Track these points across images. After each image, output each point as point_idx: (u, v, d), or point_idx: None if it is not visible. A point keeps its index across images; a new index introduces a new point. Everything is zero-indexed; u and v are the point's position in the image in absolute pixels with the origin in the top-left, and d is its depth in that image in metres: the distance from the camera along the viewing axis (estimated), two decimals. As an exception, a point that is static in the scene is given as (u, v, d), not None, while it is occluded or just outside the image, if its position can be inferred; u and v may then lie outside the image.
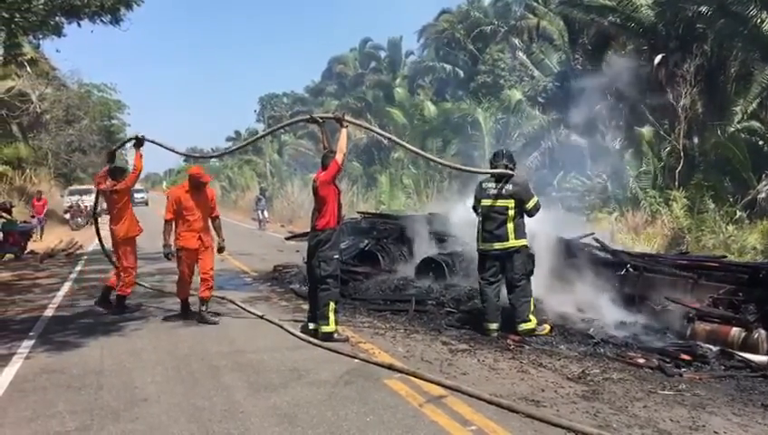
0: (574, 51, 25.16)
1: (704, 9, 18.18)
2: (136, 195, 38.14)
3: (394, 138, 10.57)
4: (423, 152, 10.86)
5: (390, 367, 6.20)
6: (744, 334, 6.52)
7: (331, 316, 7.30)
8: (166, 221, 8.57)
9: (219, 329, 8.20)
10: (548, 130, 25.29)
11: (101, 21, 13.54)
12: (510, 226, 7.49)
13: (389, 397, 5.42)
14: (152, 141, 9.43)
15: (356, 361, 6.49)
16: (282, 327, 8.00)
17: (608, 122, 23.48)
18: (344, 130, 7.69)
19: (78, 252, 19.01)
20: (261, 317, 8.69)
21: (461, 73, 36.58)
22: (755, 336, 6.46)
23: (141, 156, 9.38)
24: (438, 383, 5.65)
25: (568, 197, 21.77)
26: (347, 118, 8.06)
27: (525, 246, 7.61)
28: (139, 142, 9.35)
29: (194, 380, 6.04)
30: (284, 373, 6.15)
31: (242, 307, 9.35)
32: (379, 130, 10.90)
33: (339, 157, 7.53)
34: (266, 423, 4.84)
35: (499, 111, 29.03)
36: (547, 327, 7.55)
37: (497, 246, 7.53)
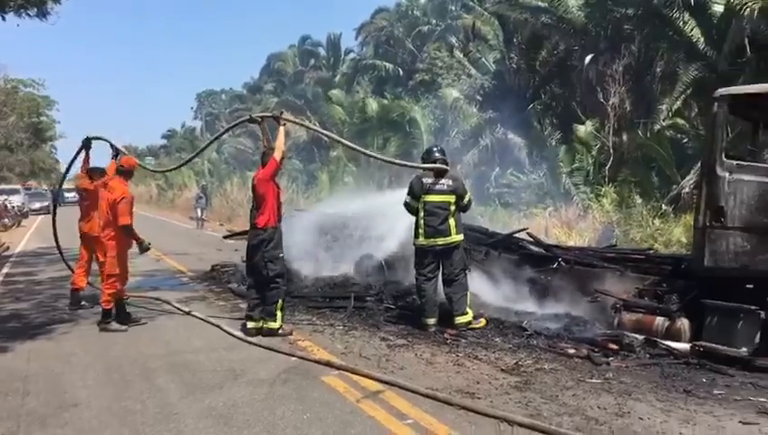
0: (509, 50, 25.60)
1: (631, 11, 18.79)
2: (66, 194, 36.78)
3: (333, 135, 10.60)
4: (361, 148, 10.94)
5: (328, 364, 6.22)
6: (667, 323, 6.83)
7: (279, 314, 7.43)
8: (129, 225, 8.17)
9: (153, 331, 8.05)
10: (485, 128, 25.67)
11: (27, 15, 13.03)
12: (452, 221, 7.64)
13: (327, 394, 5.44)
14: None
15: (294, 359, 6.49)
16: (219, 327, 7.91)
17: (543, 120, 24.06)
18: (282, 129, 7.74)
19: (4, 253, 18.27)
20: (187, 313, 8.65)
21: (400, 71, 36.78)
22: (678, 325, 6.77)
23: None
24: (376, 379, 5.71)
25: (505, 193, 22.22)
26: (285, 116, 8.09)
27: (462, 241, 7.78)
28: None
29: (126, 383, 5.92)
30: (221, 374, 6.09)
31: (177, 308, 9.18)
32: (318, 128, 10.95)
33: (277, 154, 7.54)
34: (201, 425, 4.79)
35: (437, 109, 29.31)
36: (483, 321, 7.72)
37: (440, 241, 7.65)
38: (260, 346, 7.01)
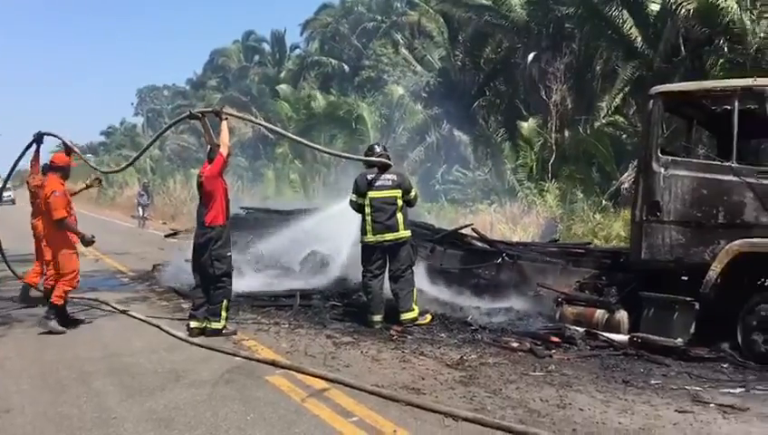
0: (454, 47, 25.80)
1: (571, 10, 19.18)
2: (3, 193, 35.26)
3: (275, 128, 10.49)
4: (306, 141, 10.92)
5: (273, 363, 6.14)
6: (607, 316, 7.00)
7: (223, 314, 7.33)
8: (64, 219, 7.89)
9: (91, 333, 7.80)
10: (431, 125, 25.84)
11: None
12: (399, 216, 7.67)
13: (271, 393, 5.37)
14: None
15: (237, 358, 6.38)
16: (159, 327, 7.72)
17: (487, 117, 24.36)
18: (224, 123, 7.61)
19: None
20: (125, 313, 8.44)
21: (346, 68, 36.66)
22: (617, 317, 6.95)
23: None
24: (321, 377, 5.66)
25: (451, 189, 22.40)
26: (226, 111, 7.95)
27: (410, 237, 7.78)
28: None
29: (62, 387, 5.71)
30: (162, 375, 5.94)
31: (115, 308, 8.92)
32: (261, 122, 10.85)
33: (223, 150, 7.42)
34: (140, 428, 4.66)
35: (383, 106, 29.35)
36: (429, 316, 7.76)
37: (389, 236, 7.64)
38: (203, 346, 6.87)
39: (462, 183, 22.28)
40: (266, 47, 48.88)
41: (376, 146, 8.17)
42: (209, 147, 7.77)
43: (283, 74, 41.05)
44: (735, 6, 14.33)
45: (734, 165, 6.22)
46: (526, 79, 22.13)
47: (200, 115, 8.22)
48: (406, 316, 7.54)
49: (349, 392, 5.31)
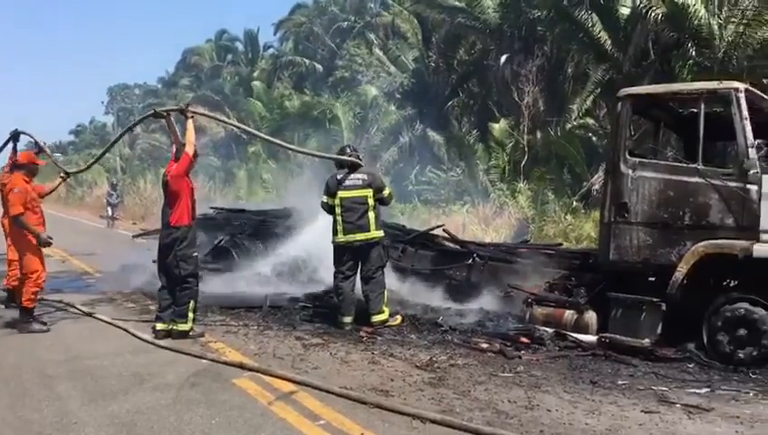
0: (428, 48, 25.88)
1: (543, 13, 19.34)
2: None
3: (244, 126, 10.37)
4: (275, 139, 10.83)
5: (240, 365, 6.06)
6: (576, 316, 7.04)
7: (190, 315, 7.21)
8: (19, 215, 7.70)
9: (55, 336, 7.60)
10: (404, 126, 25.87)
11: None
12: (371, 215, 7.62)
13: (238, 397, 5.29)
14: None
15: (204, 361, 6.28)
16: (125, 330, 7.57)
17: (461, 118, 24.47)
18: (190, 122, 7.51)
19: None
20: (90, 315, 8.28)
21: (320, 68, 36.54)
22: (586, 318, 7.00)
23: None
24: (288, 379, 5.59)
25: (424, 190, 22.43)
26: (191, 109, 7.82)
27: (382, 238, 7.73)
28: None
29: (23, 391, 5.55)
30: (126, 379, 5.82)
31: (80, 310, 8.74)
32: (228, 120, 10.67)
33: (189, 149, 7.31)
34: (102, 433, 4.55)
35: (357, 106, 29.31)
36: (399, 318, 7.74)
37: (360, 236, 7.59)
38: (169, 349, 6.74)
39: (435, 184, 22.33)
40: (239, 46, 48.56)
41: (347, 148, 8.18)
42: (175, 146, 7.66)
43: (256, 74, 40.75)
44: (703, 11, 14.56)
45: (700, 167, 6.29)
46: (499, 81, 22.27)
47: (165, 114, 8.05)
48: (376, 318, 7.50)
49: (316, 395, 5.25)
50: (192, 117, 7.61)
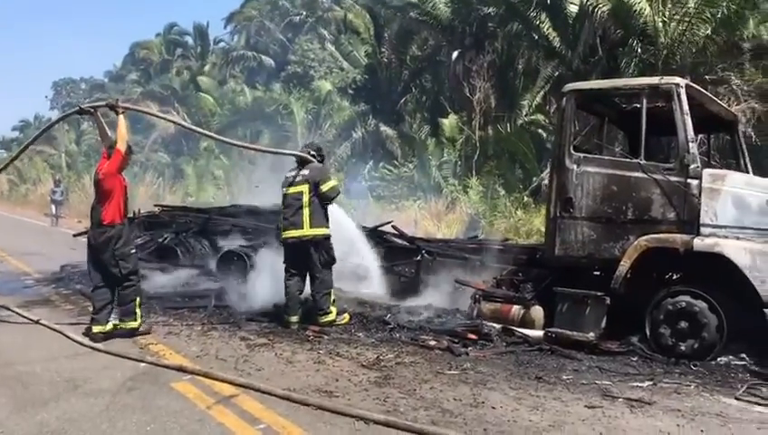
0: (380, 44, 25.81)
1: (493, 10, 19.48)
2: None
3: (180, 121, 10.06)
4: (218, 136, 10.61)
5: (180, 369, 5.85)
6: (522, 312, 7.05)
7: (138, 311, 7.09)
8: None
9: (-15, 340, 7.26)
10: (358, 121, 25.77)
11: None
12: (305, 212, 7.40)
13: (175, 401, 5.10)
14: None
15: (143, 364, 6.05)
16: (61, 333, 7.26)
17: (414, 114, 24.47)
18: (121, 118, 7.24)
19: None
20: (36, 322, 7.88)
21: (272, 63, 36.12)
22: (532, 313, 7.01)
23: None
24: (230, 382, 5.42)
25: (377, 186, 22.37)
26: (121, 104, 7.55)
27: (323, 236, 7.55)
28: None
29: (-54, 401, 5.26)
30: (58, 385, 5.55)
31: (16, 312, 8.37)
32: (163, 115, 10.33)
33: (121, 146, 7.05)
34: (29, 443, 4.33)
35: (310, 102, 29.08)
36: (347, 316, 7.63)
37: (293, 233, 7.45)
38: (106, 352, 6.49)
39: (388, 179, 22.30)
40: (189, 40, 47.66)
41: (308, 145, 8.11)
42: (104, 143, 7.40)
43: (206, 68, 40.09)
44: (648, 9, 14.83)
45: (643, 162, 6.35)
46: (451, 76, 22.35)
47: (92, 110, 7.72)
48: (323, 319, 7.38)
49: (258, 398, 5.10)
50: (123, 112, 7.33)
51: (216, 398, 5.13)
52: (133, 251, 7.18)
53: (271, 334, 7.19)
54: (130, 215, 8.85)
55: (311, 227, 7.41)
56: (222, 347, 6.68)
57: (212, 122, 30.79)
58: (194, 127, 10.25)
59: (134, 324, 7.04)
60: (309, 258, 7.42)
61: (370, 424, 4.50)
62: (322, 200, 7.50)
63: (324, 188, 7.46)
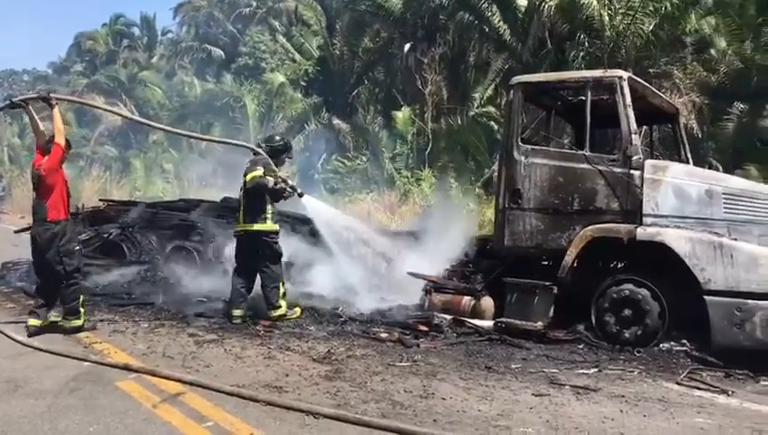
0: (332, 36, 25.67)
1: (445, 1, 19.56)
2: None
3: (126, 113, 9.80)
4: (163, 126, 10.39)
5: (126, 367, 5.71)
6: (473, 303, 7.12)
7: (82, 309, 6.97)
8: None
9: None
10: (310, 114, 25.60)
11: None
12: (242, 206, 7.42)
13: (120, 400, 4.98)
14: None
15: (87, 363, 5.89)
16: (2, 333, 7.02)
17: (367, 106, 24.42)
18: (56, 110, 6.99)
19: None
20: None
21: (222, 54, 35.54)
22: (483, 303, 7.09)
23: None
24: (176, 379, 5.32)
25: (331, 179, 22.30)
26: (56, 96, 7.31)
27: (259, 231, 7.39)
28: None
29: None
30: (-3, 386, 5.37)
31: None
32: (105, 106, 10.10)
33: (59, 139, 6.83)
34: (-36, 448, 4.17)
35: (262, 94, 28.75)
36: (298, 310, 7.58)
37: (237, 227, 7.50)
38: (49, 352, 6.29)
39: (341, 172, 22.25)
40: (136, 31, 46.53)
41: (275, 136, 8.03)
42: (36, 138, 7.15)
43: (154, 60, 39.24)
44: (595, 3, 15.09)
45: (588, 153, 6.47)
46: (403, 69, 22.37)
47: (24, 103, 7.41)
48: (273, 313, 7.32)
49: (206, 395, 5.01)
50: (57, 104, 7.10)
51: (162, 396, 5.03)
52: (77, 248, 7.05)
53: (220, 330, 7.09)
54: (73, 210, 8.60)
55: (244, 223, 7.39)
56: (169, 344, 6.55)
57: (161, 115, 30.13)
58: (138, 117, 10.00)
59: (78, 323, 6.91)
60: (253, 252, 7.36)
61: (320, 418, 4.48)
62: (251, 193, 7.36)
63: (247, 179, 7.37)
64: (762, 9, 16.50)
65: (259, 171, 7.29)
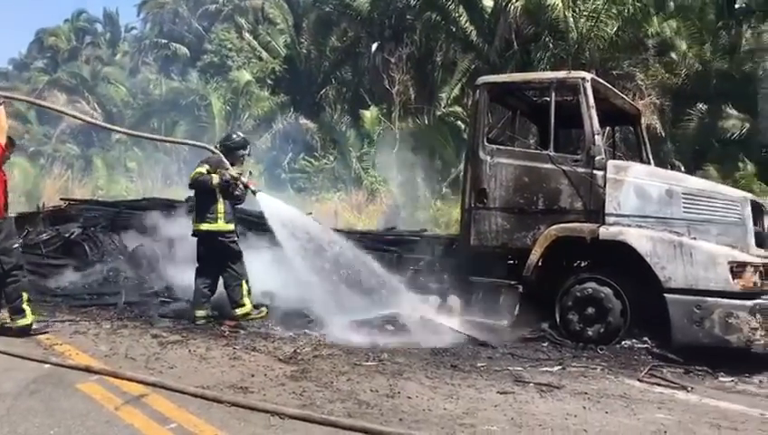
0: (299, 35, 25.57)
1: (411, 1, 19.64)
2: None
3: (74, 113, 9.49)
4: (115, 127, 10.19)
5: (87, 369, 5.59)
6: (439, 301, 7.14)
7: (27, 308, 6.72)
8: None
9: None
10: (277, 112, 25.46)
11: None
12: (195, 207, 7.39)
13: (82, 403, 4.87)
14: None
15: (47, 366, 5.76)
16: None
17: (334, 106, 24.39)
18: (1, 108, 6.82)
19: None
20: None
21: (187, 52, 35.13)
22: (449, 302, 7.11)
23: None
24: (139, 381, 5.23)
25: (298, 178, 22.20)
26: (2, 93, 7.13)
27: (216, 231, 7.33)
28: None
29: None
30: (-47, 391, 5.23)
31: None
32: (55, 106, 9.82)
33: (1, 138, 6.67)
34: None
35: (228, 92, 28.48)
36: (264, 310, 7.54)
37: (193, 227, 7.43)
38: (7, 354, 6.13)
39: (309, 172, 22.18)
40: (99, 28, 45.73)
41: (232, 135, 7.94)
42: None
43: (117, 57, 38.60)
44: (560, 5, 15.31)
45: (552, 154, 6.55)
46: (370, 68, 22.40)
47: None
48: (237, 312, 7.28)
49: (170, 396, 4.93)
50: (2, 103, 6.92)
51: (124, 398, 4.94)
52: (15, 246, 6.85)
53: (185, 331, 7.00)
54: (34, 209, 8.44)
55: (195, 222, 7.36)
56: (132, 345, 6.44)
57: (125, 113, 29.64)
58: (88, 118, 9.77)
59: (25, 322, 6.69)
60: (212, 252, 7.30)
61: (286, 419, 4.45)
62: (196, 192, 7.38)
63: (191, 177, 7.35)
64: (720, 14, 16.92)
65: (201, 169, 7.20)
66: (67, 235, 10.24)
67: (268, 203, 7.91)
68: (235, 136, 7.91)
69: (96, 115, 30.33)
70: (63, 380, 5.39)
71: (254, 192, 7.52)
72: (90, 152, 32.52)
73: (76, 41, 46.69)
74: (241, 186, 7.36)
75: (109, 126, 9.94)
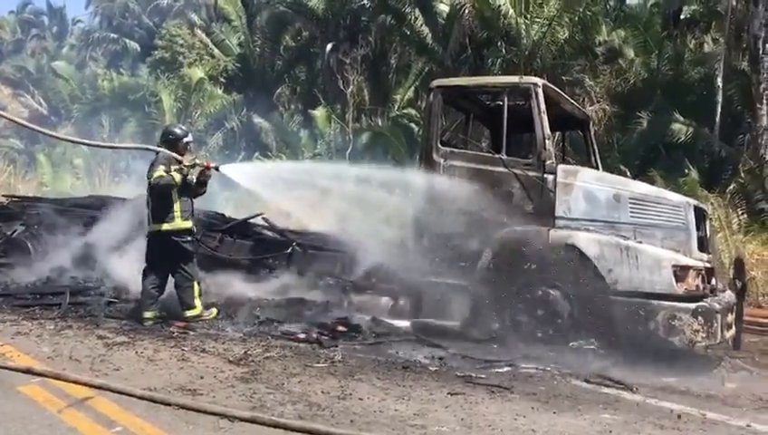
0: (253, 33, 25.30)
1: (366, 3, 19.67)
2: None
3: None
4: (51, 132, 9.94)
5: (28, 371, 5.41)
6: (391, 302, 7.17)
7: None
8: None
9: None
10: (231, 111, 25.14)
11: None
12: (151, 209, 7.21)
13: (23, 406, 4.71)
14: None
15: (-15, 368, 5.57)
16: None
17: (288, 105, 24.22)
18: None
19: None
20: None
21: (137, 47, 34.38)
22: (401, 303, 7.14)
23: None
24: (83, 383, 5.09)
25: (252, 178, 21.92)
26: None
27: (172, 230, 7.20)
28: None
29: None
30: None
31: None
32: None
33: None
34: None
35: (179, 89, 27.96)
36: (214, 311, 7.44)
37: (148, 229, 7.26)
38: (-56, 357, 5.91)
39: (261, 171, 21.93)
40: (45, 20, 44.38)
41: (171, 128, 7.79)
42: None
43: (64, 50, 37.53)
44: (511, 11, 15.55)
45: (504, 157, 6.64)
46: (325, 69, 22.33)
47: None
48: (187, 313, 7.15)
49: (116, 399, 4.82)
50: None
51: (68, 401, 4.80)
52: None
53: (132, 332, 6.85)
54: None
55: (152, 224, 7.20)
56: (77, 347, 6.27)
57: (72, 108, 28.81)
58: (22, 121, 9.51)
59: None
60: (163, 252, 7.17)
61: (235, 421, 4.39)
62: (156, 194, 7.16)
63: (151, 182, 7.08)
64: (666, 24, 17.45)
65: (159, 172, 6.99)
66: (9, 232, 9.91)
67: (235, 170, 7.80)
68: (172, 129, 7.77)
69: (41, 110, 29.45)
70: (4, 382, 5.22)
71: (216, 168, 7.39)
72: (34, 148, 31.49)
73: (21, 33, 45.25)
74: (203, 170, 7.25)
75: (48, 132, 9.65)
